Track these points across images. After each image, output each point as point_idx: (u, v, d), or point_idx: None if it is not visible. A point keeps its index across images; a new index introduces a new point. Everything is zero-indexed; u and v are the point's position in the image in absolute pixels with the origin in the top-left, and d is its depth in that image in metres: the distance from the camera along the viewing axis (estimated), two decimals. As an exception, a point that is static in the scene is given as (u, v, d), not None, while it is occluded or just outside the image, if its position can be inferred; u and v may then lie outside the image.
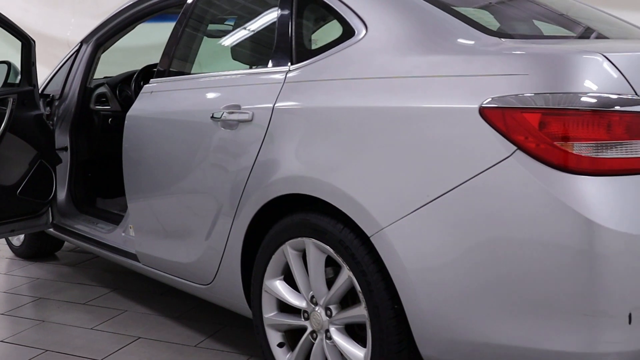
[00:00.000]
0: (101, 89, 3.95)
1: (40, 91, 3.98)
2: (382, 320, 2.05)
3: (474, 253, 1.84)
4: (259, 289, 2.48)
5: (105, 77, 4.26)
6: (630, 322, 1.73)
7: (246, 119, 2.49)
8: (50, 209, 3.80)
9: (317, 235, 2.21)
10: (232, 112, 2.54)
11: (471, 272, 1.85)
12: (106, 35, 3.78)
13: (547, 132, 1.76)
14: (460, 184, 1.85)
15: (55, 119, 3.90)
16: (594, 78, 1.77)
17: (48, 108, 3.90)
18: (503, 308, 1.83)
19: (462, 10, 2.32)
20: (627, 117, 1.75)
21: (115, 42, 3.87)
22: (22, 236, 4.35)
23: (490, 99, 1.83)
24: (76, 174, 3.97)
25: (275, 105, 2.39)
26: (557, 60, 1.83)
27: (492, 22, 2.42)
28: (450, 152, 1.89)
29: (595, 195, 1.72)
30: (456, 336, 1.92)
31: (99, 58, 3.89)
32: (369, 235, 2.03)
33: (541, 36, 2.44)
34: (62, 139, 3.90)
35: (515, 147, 1.78)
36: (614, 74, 1.77)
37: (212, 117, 2.62)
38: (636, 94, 1.76)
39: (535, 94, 1.78)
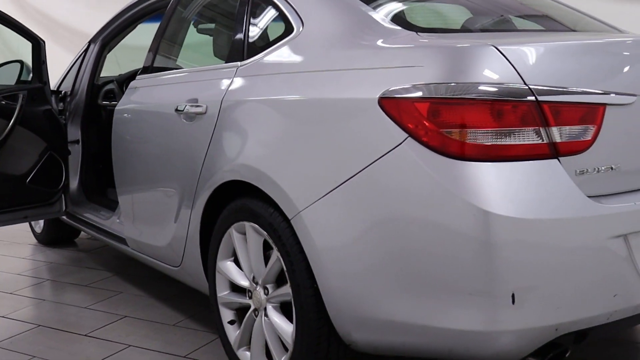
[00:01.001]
0: (109, 86, 4.20)
1: (55, 88, 4.27)
2: (302, 298, 2.20)
3: (373, 235, 1.97)
4: (213, 270, 2.66)
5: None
6: (513, 303, 1.82)
7: (201, 112, 2.67)
8: (64, 197, 4.07)
9: (254, 219, 2.37)
10: (192, 106, 2.73)
11: (371, 254, 1.98)
12: (111, 35, 4.03)
13: (435, 120, 1.87)
14: (362, 170, 1.98)
15: (67, 114, 4.17)
16: (483, 69, 1.87)
17: (61, 104, 4.17)
18: (402, 287, 1.94)
19: (404, 5, 2.44)
20: (512, 105, 1.84)
21: (119, 41, 4.12)
22: (42, 224, 4.66)
23: (387, 90, 1.95)
24: (87, 165, 4.23)
25: (223, 98, 2.57)
26: (449, 52, 1.94)
27: (431, 19, 2.53)
28: (355, 140, 2.02)
29: (479, 180, 1.82)
30: (363, 313, 2.04)
31: (105, 56, 4.15)
32: (289, 217, 2.18)
33: (469, 30, 2.51)
34: (73, 133, 4.17)
35: (406, 135, 1.90)
36: (503, 65, 1.86)
37: (176, 109, 2.81)
38: (524, 84, 1.85)
39: (426, 84, 1.89)
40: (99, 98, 4.19)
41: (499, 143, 1.84)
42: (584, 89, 1.92)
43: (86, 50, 4.15)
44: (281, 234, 2.24)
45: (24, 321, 3.28)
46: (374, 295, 2.01)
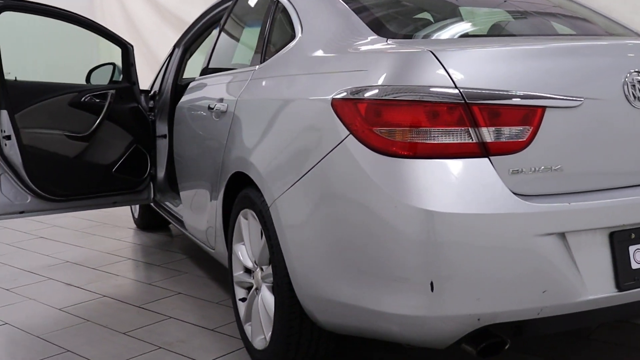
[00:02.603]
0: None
1: (149, 88, 4.76)
2: (278, 279, 2.43)
3: (323, 225, 2.18)
4: (230, 252, 2.96)
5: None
6: (432, 290, 1.96)
7: (223, 110, 2.98)
8: (152, 186, 4.55)
9: (252, 206, 2.64)
10: (219, 104, 3.05)
11: (322, 242, 2.19)
12: (191, 39, 4.45)
13: (371, 120, 2.04)
14: (316, 164, 2.19)
15: (155, 111, 4.64)
16: (418, 73, 2.02)
17: (151, 102, 4.64)
18: (348, 273, 2.12)
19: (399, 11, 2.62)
20: (441, 106, 1.98)
21: (199, 45, 4.53)
22: (138, 210, 5.19)
23: (338, 92, 2.15)
24: (172, 157, 4.67)
25: (238, 98, 2.86)
26: (389, 57, 2.11)
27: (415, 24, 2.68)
28: (315, 136, 2.23)
29: (404, 176, 1.98)
30: (320, 295, 2.25)
31: (187, 59, 4.57)
32: (268, 205, 2.43)
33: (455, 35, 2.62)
34: (162, 128, 4.62)
35: (348, 132, 2.09)
36: (437, 69, 2.00)
37: (209, 107, 3.14)
38: (455, 87, 1.98)
39: (367, 86, 2.07)
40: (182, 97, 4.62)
41: (428, 142, 1.98)
42: (520, 92, 2.00)
43: (171, 54, 4.60)
44: (266, 219, 2.49)
45: (92, 292, 3.75)
46: (327, 280, 2.20)
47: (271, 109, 2.53)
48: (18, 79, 4.20)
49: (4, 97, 3.81)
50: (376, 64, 2.12)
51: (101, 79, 4.50)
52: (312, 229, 2.22)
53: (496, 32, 2.75)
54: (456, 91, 1.97)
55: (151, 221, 5.17)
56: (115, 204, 4.46)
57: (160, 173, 4.65)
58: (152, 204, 4.64)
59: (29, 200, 4.01)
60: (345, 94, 2.12)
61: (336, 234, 2.13)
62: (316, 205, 2.20)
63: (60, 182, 4.06)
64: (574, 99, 2.05)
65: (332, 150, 2.13)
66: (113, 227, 5.33)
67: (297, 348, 2.48)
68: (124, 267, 4.26)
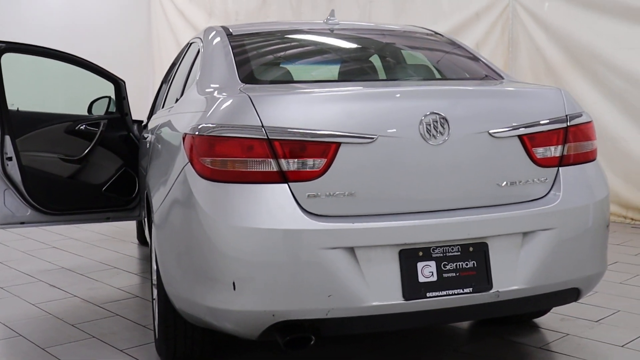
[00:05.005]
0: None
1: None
2: (157, 277, 2.94)
3: (171, 233, 2.69)
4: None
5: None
6: (234, 289, 2.43)
7: (150, 140, 3.55)
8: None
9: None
10: (149, 135, 3.62)
11: (171, 246, 2.70)
12: (172, 76, 5.06)
13: (197, 151, 2.56)
14: (173, 184, 2.72)
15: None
16: (234, 113, 2.53)
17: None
18: (186, 271, 2.62)
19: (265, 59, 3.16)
20: (248, 141, 2.45)
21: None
22: (136, 227, 5.81)
23: (185, 128, 2.67)
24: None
25: (155, 131, 3.43)
26: (215, 100, 2.64)
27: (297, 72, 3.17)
28: (175, 163, 2.75)
29: (215, 196, 2.48)
30: (176, 291, 2.74)
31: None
32: (153, 217, 2.96)
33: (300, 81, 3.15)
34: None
35: (187, 161, 2.60)
36: (250, 111, 2.50)
37: (143, 137, 3.72)
38: (261, 125, 2.45)
39: (198, 125, 2.58)
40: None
41: (238, 170, 2.47)
42: (317, 130, 2.46)
43: (159, 89, 5.22)
44: (151, 228, 3.04)
45: (67, 292, 4.38)
46: (176, 278, 2.71)
47: (162, 139, 3.08)
48: (37, 110, 4.94)
49: (6, 124, 4.51)
50: (210, 106, 2.63)
51: (101, 109, 5.17)
52: (166, 236, 2.74)
53: (327, 77, 3.24)
54: (260, 128, 2.45)
55: (144, 238, 5.78)
56: (108, 219, 5.08)
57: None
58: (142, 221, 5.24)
59: (28, 213, 4.68)
60: (188, 129, 2.64)
61: (178, 242, 2.65)
62: (167, 218, 2.73)
63: (55, 197, 4.71)
64: (367, 136, 2.48)
65: (179, 173, 2.65)
66: (119, 240, 5.98)
67: (175, 338, 2.96)
68: (105, 274, 4.87)
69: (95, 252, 5.55)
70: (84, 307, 4.05)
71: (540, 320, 3.54)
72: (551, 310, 3.55)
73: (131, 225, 6.03)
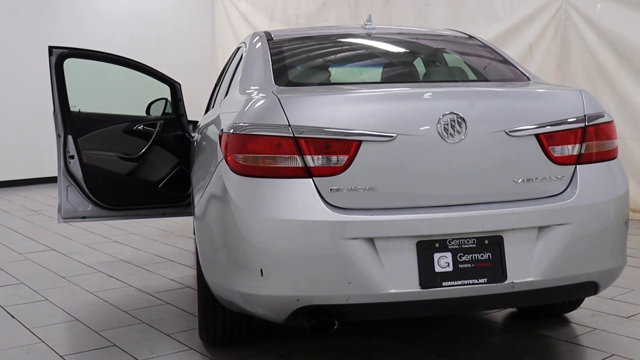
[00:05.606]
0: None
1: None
2: (198, 264, 3.17)
3: (209, 223, 2.91)
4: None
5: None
6: (262, 275, 2.63)
7: (196, 139, 3.80)
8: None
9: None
10: (196, 134, 3.87)
11: (207, 236, 2.92)
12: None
13: (230, 148, 2.77)
14: (211, 178, 2.94)
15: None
16: (264, 114, 2.73)
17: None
18: (225, 262, 2.83)
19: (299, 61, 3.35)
20: (276, 139, 2.65)
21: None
22: (194, 222, 6.09)
23: (223, 127, 2.88)
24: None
25: (201, 129, 3.67)
26: (247, 101, 2.83)
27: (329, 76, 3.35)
28: (213, 158, 2.97)
29: (246, 190, 2.68)
30: (212, 278, 2.96)
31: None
32: (195, 206, 3.19)
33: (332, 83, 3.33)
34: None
35: (222, 157, 2.81)
36: (279, 111, 2.69)
37: (190, 136, 3.98)
38: (288, 124, 2.65)
39: (233, 124, 2.79)
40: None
41: (266, 166, 2.67)
42: (339, 129, 2.63)
43: (213, 91, 5.48)
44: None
45: (124, 282, 4.67)
46: (213, 265, 2.92)
47: (205, 137, 3.31)
48: (99, 112, 5.27)
49: (69, 124, 4.84)
50: (245, 106, 2.84)
51: (158, 111, 5.46)
52: (204, 227, 2.96)
53: (357, 79, 3.41)
54: (288, 128, 2.64)
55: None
56: (164, 215, 5.36)
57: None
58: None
59: (89, 208, 5.01)
60: (224, 128, 2.85)
61: (214, 232, 2.86)
62: (205, 211, 2.95)
63: (114, 193, 5.03)
64: (387, 134, 2.64)
65: (216, 168, 2.87)
66: (177, 236, 6.27)
67: (214, 323, 3.19)
68: (161, 266, 5.15)
69: (154, 246, 5.85)
70: (137, 296, 4.33)
71: (572, 315, 3.62)
72: (583, 306, 3.63)
73: (189, 221, 6.32)
